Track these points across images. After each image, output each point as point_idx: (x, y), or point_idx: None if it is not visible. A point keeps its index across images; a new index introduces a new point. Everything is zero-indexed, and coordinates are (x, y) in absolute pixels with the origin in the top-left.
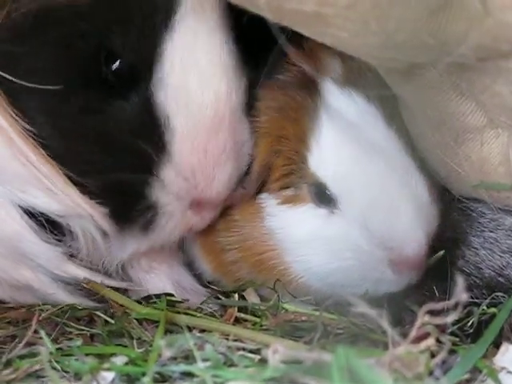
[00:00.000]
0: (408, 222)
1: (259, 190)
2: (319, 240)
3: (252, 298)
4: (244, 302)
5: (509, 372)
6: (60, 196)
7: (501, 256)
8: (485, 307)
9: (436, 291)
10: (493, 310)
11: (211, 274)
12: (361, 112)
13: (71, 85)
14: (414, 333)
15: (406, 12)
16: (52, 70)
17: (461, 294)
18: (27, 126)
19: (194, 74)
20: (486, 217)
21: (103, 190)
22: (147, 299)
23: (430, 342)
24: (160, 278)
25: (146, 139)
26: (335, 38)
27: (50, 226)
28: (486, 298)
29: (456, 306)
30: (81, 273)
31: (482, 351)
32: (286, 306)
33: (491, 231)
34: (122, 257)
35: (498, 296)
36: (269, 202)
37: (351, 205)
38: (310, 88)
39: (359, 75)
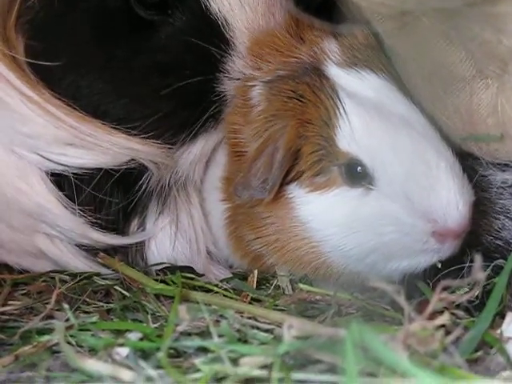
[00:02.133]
0: (449, 191)
1: (283, 181)
2: (356, 221)
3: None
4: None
5: None
6: (106, 147)
7: (495, 218)
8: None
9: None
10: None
11: (239, 262)
12: (375, 87)
13: (110, 36)
14: (430, 309)
15: None
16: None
17: (478, 273)
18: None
19: None
20: (476, 173)
21: (174, 104)
22: (166, 271)
23: (445, 318)
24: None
25: (209, 42)
26: None
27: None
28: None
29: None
30: (105, 238)
31: (487, 323)
32: (300, 285)
33: (483, 190)
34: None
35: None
36: (297, 192)
37: (389, 178)
38: (317, 73)
39: (359, 52)
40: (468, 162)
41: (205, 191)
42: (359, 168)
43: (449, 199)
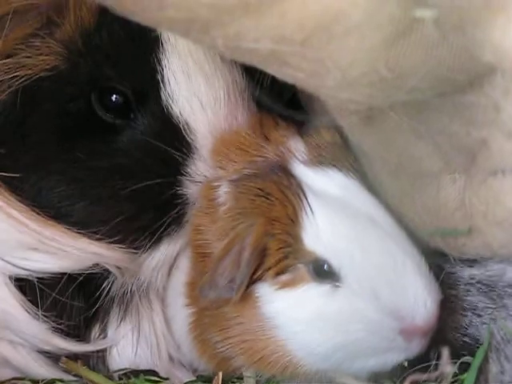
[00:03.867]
0: (416, 289)
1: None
2: (324, 317)
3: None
4: None
5: None
6: (71, 252)
7: (463, 315)
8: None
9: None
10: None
11: (204, 365)
12: (341, 185)
13: (72, 138)
14: None
15: (361, 42)
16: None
17: (445, 366)
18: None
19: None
20: (443, 270)
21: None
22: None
23: None
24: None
25: (170, 146)
26: (293, 78)
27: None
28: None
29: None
30: (67, 345)
31: None
32: None
33: (450, 287)
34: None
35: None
36: (264, 290)
37: (356, 276)
38: (284, 172)
39: (325, 150)
40: (435, 260)
41: (168, 297)
42: (326, 266)
43: (416, 297)
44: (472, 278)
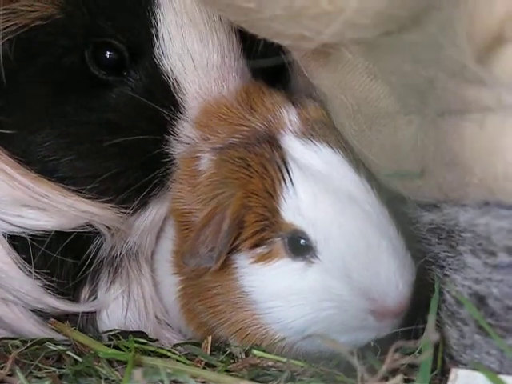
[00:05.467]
0: (388, 271)
1: (229, 250)
2: (297, 294)
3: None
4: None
5: None
6: (63, 209)
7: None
8: None
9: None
10: None
11: (192, 334)
12: (328, 161)
13: (63, 92)
14: (383, 370)
15: None
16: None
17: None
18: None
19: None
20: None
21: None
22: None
23: (398, 380)
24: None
25: (159, 103)
26: (249, 18)
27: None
28: None
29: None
30: (59, 304)
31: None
32: (254, 351)
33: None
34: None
35: None
36: (241, 262)
37: (331, 253)
38: (270, 142)
39: (316, 125)
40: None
41: (155, 262)
42: (302, 241)
43: (388, 278)
44: (431, 224)
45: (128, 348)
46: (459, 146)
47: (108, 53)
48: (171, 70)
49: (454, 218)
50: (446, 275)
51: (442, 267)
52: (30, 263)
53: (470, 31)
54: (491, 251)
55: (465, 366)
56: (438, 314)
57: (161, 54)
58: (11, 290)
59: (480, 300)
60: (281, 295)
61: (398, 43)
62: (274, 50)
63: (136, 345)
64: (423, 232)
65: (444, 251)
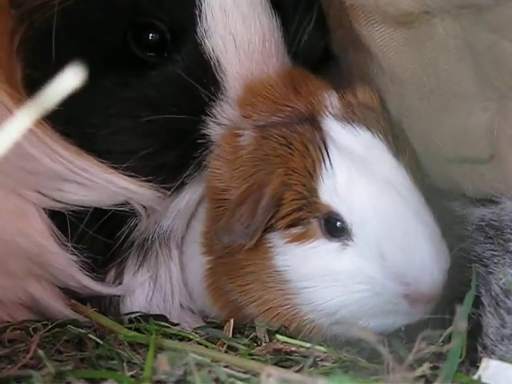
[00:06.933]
0: (424, 256)
1: (264, 229)
2: (330, 274)
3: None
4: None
5: None
6: (103, 185)
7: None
8: None
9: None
10: None
11: (216, 313)
12: (367, 146)
13: (102, 69)
14: (410, 359)
15: None
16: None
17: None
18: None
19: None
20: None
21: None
22: (139, 319)
23: (425, 368)
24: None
25: (199, 82)
26: None
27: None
28: None
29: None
30: (89, 283)
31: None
32: (278, 335)
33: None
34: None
35: None
36: (276, 242)
37: (366, 236)
38: (312, 123)
39: (358, 109)
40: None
41: (184, 244)
42: (338, 223)
43: (423, 264)
44: (482, 220)
45: (149, 331)
46: None
47: (150, 34)
48: (213, 50)
49: (510, 212)
50: (490, 272)
51: (486, 266)
52: (67, 237)
53: None
54: None
55: (496, 357)
56: (477, 305)
57: (203, 33)
58: (47, 265)
59: None
60: (314, 276)
61: (497, 19)
62: (318, 38)
63: (157, 327)
64: (469, 230)
65: (489, 250)
